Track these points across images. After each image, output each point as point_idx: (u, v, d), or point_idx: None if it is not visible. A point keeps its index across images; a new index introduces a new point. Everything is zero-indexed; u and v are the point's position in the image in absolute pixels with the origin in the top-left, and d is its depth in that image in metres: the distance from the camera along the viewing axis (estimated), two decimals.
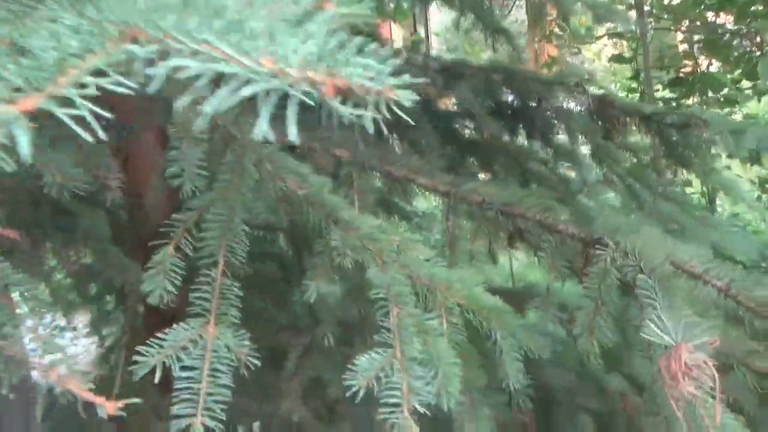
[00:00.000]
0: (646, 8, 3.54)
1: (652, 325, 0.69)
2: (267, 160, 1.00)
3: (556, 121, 1.97)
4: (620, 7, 3.12)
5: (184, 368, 0.76)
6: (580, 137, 1.92)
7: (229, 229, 0.87)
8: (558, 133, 2.01)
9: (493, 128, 1.92)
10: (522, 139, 2.08)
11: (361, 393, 0.76)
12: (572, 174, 1.99)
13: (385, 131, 1.69)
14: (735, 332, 1.05)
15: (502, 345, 1.01)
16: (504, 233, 1.20)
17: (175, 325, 0.79)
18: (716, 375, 0.64)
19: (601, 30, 4.40)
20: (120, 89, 0.29)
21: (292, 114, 0.29)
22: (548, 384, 1.94)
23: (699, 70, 3.58)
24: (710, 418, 0.65)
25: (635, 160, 2.02)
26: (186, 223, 0.88)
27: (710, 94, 3.45)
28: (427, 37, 7.20)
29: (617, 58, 4.12)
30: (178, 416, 0.74)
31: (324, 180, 1.03)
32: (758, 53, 3.29)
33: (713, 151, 1.85)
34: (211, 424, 0.74)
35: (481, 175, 2.01)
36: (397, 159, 1.38)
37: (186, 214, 0.89)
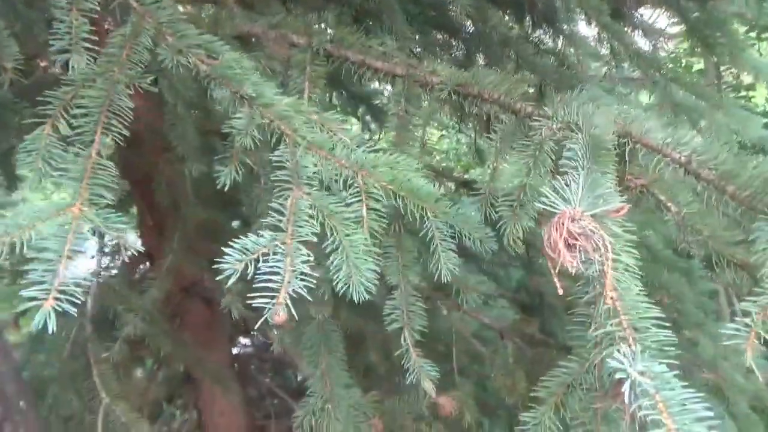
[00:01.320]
0: None
1: (549, 192, 0.57)
2: (168, 32, 0.90)
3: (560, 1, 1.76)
4: None
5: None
6: (584, 16, 1.71)
7: (108, 108, 0.79)
8: (564, 19, 1.80)
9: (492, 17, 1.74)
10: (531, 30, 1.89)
11: (235, 277, 0.69)
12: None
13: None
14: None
15: (434, 233, 0.91)
16: (458, 116, 1.08)
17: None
18: (608, 243, 0.53)
19: None
20: None
21: None
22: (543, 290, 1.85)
23: None
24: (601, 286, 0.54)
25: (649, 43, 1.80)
26: (63, 101, 0.80)
27: None
28: None
29: None
30: None
31: (236, 56, 0.92)
32: None
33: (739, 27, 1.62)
34: None
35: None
36: (354, 43, 1.25)
37: (63, 90, 0.81)
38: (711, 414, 0.55)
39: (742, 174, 0.72)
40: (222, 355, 2.20)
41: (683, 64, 5.47)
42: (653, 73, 1.68)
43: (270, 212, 0.75)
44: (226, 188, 0.92)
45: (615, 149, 0.87)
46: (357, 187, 0.88)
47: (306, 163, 0.84)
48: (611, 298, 0.60)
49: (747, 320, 0.60)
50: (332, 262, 0.80)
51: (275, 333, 1.32)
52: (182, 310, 2.07)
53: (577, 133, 0.77)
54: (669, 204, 0.97)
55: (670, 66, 1.62)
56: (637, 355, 0.56)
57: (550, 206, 0.56)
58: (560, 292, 0.56)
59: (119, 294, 1.56)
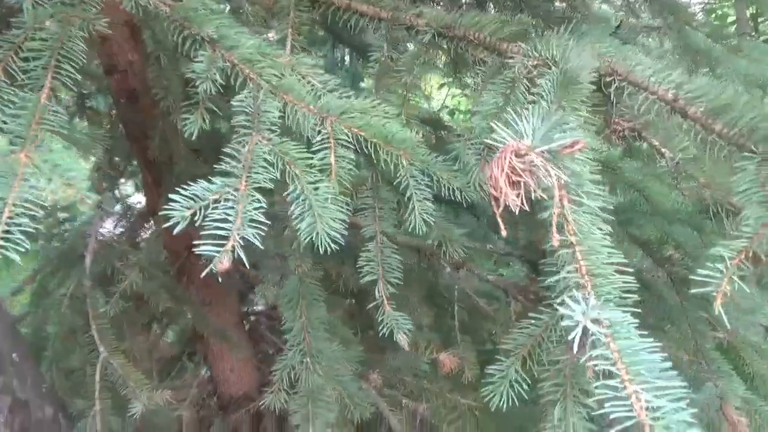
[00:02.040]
0: None
1: (498, 126, 0.52)
2: None
3: None
4: None
5: None
6: None
7: (60, 52, 0.76)
8: None
9: None
10: None
11: (182, 225, 0.66)
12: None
13: None
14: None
15: (408, 182, 0.87)
16: (443, 58, 1.02)
17: None
18: (559, 181, 0.48)
19: None
20: None
21: None
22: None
23: None
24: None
25: None
26: (14, 45, 0.77)
27: None
28: None
29: None
30: None
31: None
32: None
33: None
34: None
35: None
36: None
37: (14, 33, 0.78)
38: (669, 364, 0.51)
39: (731, 111, 0.65)
40: (230, 313, 2.22)
41: (718, 15, 5.19)
42: (670, 17, 1.58)
43: (224, 158, 0.72)
44: (194, 137, 0.89)
45: (600, 88, 0.81)
46: (325, 133, 0.84)
47: (268, 107, 0.81)
48: (570, 242, 0.56)
49: (720, 266, 0.55)
50: (294, 211, 0.77)
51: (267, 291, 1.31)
52: (188, 268, 2.08)
53: (552, 70, 0.71)
54: (662, 149, 0.91)
55: (691, 11, 1.51)
56: (590, 303, 0.52)
57: (499, 141, 0.51)
58: (504, 233, 0.51)
59: (117, 250, 1.57)
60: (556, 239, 0.50)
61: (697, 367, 1.43)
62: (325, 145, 0.83)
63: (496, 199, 0.48)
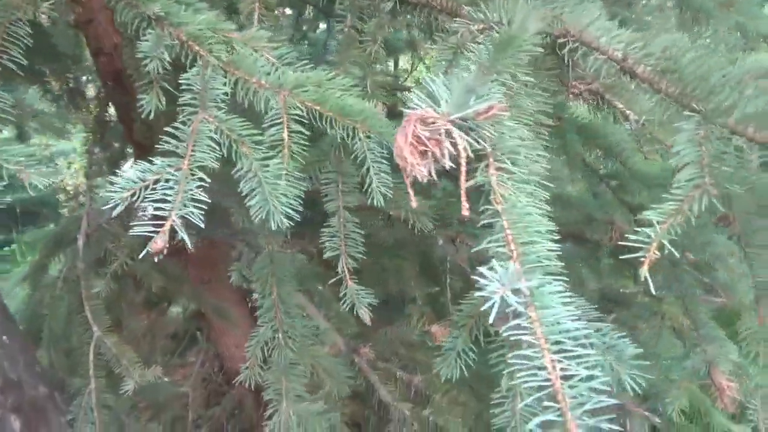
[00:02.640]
0: None
1: (416, 92, 0.50)
2: None
3: None
4: None
5: None
6: None
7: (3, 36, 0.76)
8: None
9: None
10: None
11: (121, 207, 0.66)
12: None
13: None
14: None
15: (366, 154, 0.86)
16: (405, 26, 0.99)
17: None
18: (465, 151, 0.46)
19: None
20: None
21: None
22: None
23: None
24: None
25: None
26: None
27: None
28: None
29: None
30: None
31: None
32: None
33: None
34: None
35: None
36: None
37: None
38: (589, 331, 0.50)
39: (676, 69, 0.63)
40: (230, 291, 2.24)
41: None
42: None
43: (166, 138, 0.72)
44: (150, 116, 0.89)
45: (551, 50, 0.78)
46: (277, 108, 0.83)
47: (216, 84, 0.80)
48: (497, 211, 0.55)
49: (649, 231, 0.53)
50: (243, 188, 0.76)
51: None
52: (183, 247, 2.11)
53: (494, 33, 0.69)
54: (627, 112, 0.88)
55: None
56: (510, 272, 0.51)
57: (412, 108, 0.49)
58: (413, 204, 0.50)
59: (109, 232, 1.59)
60: (465, 209, 0.49)
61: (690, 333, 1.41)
62: (277, 121, 0.82)
63: (404, 170, 0.47)
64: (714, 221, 0.94)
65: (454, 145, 0.46)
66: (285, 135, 0.82)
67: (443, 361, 0.70)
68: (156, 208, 0.65)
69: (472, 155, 0.50)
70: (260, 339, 1.02)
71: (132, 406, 1.57)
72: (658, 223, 0.52)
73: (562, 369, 0.48)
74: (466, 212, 0.49)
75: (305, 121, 0.84)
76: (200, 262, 2.11)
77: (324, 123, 0.85)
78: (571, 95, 0.81)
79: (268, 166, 0.77)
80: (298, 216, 0.80)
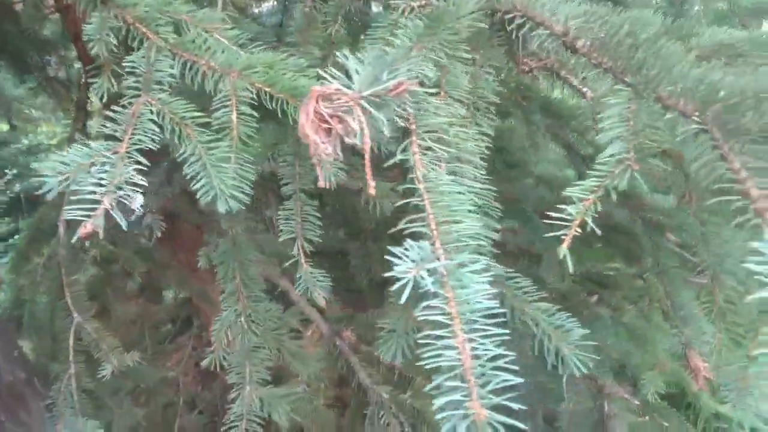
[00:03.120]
0: None
1: (329, 70, 0.49)
2: None
3: None
4: None
5: None
6: None
7: None
8: None
9: None
10: None
11: (55, 191, 0.66)
12: None
13: None
14: None
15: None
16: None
17: None
18: (364, 128, 0.45)
19: None
20: None
21: None
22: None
23: None
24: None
25: None
26: None
27: None
28: None
29: None
30: None
31: None
32: None
33: None
34: None
35: None
36: None
37: None
38: (503, 310, 0.50)
39: (613, 42, 0.61)
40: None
41: None
42: None
43: (105, 122, 0.71)
44: (103, 100, 0.88)
45: (501, 26, 0.77)
46: (225, 90, 0.82)
47: (161, 67, 0.79)
48: (421, 191, 0.54)
49: (570, 209, 0.52)
50: (187, 171, 0.76)
51: None
52: (172, 234, 2.12)
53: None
54: (583, 89, 0.86)
55: None
56: (426, 251, 0.50)
57: (325, 82, 0.48)
58: (321, 183, 0.49)
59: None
60: (371, 188, 0.48)
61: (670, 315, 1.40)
62: (226, 103, 0.81)
63: (310, 148, 0.46)
64: (679, 200, 0.93)
65: (359, 122, 0.45)
66: (233, 117, 0.82)
67: (384, 344, 0.69)
68: (90, 192, 0.65)
69: (387, 133, 0.49)
70: (224, 323, 1.02)
71: (116, 390, 1.59)
72: (580, 200, 0.51)
73: (472, 348, 0.47)
74: (372, 191, 0.49)
75: (255, 103, 0.83)
76: (189, 247, 2.12)
77: (275, 105, 0.84)
78: (521, 72, 0.79)
79: (213, 149, 0.76)
80: (247, 199, 0.80)
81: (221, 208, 0.77)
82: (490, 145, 0.70)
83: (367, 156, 0.46)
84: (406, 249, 0.50)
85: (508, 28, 0.76)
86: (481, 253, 0.54)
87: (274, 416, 0.98)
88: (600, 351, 1.53)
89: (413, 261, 0.49)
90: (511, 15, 0.75)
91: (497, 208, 0.72)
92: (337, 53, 0.51)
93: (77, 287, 1.51)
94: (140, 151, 0.70)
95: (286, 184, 0.93)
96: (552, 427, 1.42)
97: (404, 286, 0.49)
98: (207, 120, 0.78)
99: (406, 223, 0.52)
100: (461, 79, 0.64)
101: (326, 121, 0.45)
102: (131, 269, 1.64)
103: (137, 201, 0.67)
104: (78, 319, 1.46)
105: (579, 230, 0.51)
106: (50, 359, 1.52)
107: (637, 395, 1.45)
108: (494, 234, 0.69)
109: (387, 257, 0.49)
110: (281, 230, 0.91)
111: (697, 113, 0.52)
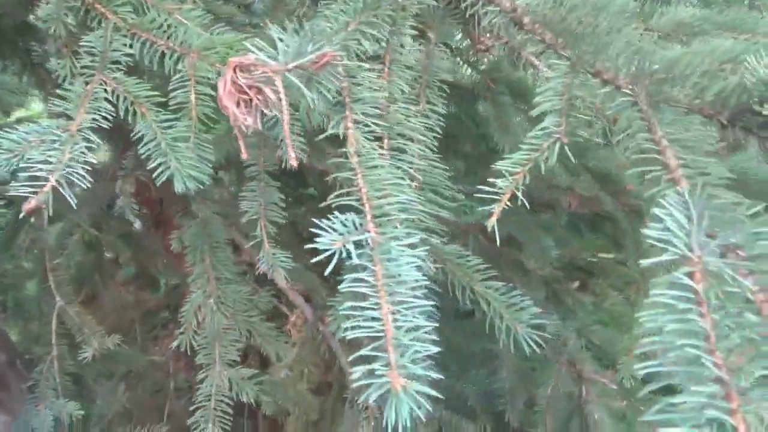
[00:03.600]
0: None
1: (255, 42, 0.49)
2: None
3: None
4: None
5: None
6: None
7: None
8: None
9: None
10: None
11: (4, 170, 0.66)
12: None
13: None
14: None
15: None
16: None
17: None
18: (283, 102, 0.45)
19: None
20: None
21: None
22: None
23: None
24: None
25: None
26: None
27: None
28: None
29: None
30: None
31: None
32: None
33: None
34: None
35: None
36: None
37: None
38: (427, 282, 0.50)
39: (556, 18, 0.61)
40: None
41: None
42: None
43: (53, 99, 0.72)
44: (65, 82, 0.88)
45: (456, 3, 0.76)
46: (184, 71, 0.82)
47: (117, 47, 0.79)
48: (353, 165, 0.54)
49: (500, 182, 0.52)
50: (142, 151, 0.76)
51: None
52: (164, 219, 2.13)
53: None
54: (544, 69, 0.86)
55: None
56: (354, 224, 0.50)
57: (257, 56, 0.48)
58: (244, 155, 0.49)
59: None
60: (291, 158, 0.48)
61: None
62: (184, 83, 0.81)
63: (231, 121, 0.46)
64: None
65: (277, 93, 0.45)
66: (192, 97, 0.82)
67: (335, 320, 0.70)
68: (38, 170, 0.65)
69: (315, 106, 0.49)
70: (192, 304, 1.03)
71: (100, 374, 1.60)
72: (509, 173, 0.51)
73: (395, 320, 0.47)
74: (293, 162, 0.49)
75: (215, 83, 0.83)
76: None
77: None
78: (479, 51, 0.79)
79: (170, 128, 0.77)
80: (208, 179, 0.80)
81: (178, 187, 0.77)
82: (442, 123, 0.70)
83: (285, 127, 0.46)
84: (332, 221, 0.50)
85: (462, 6, 0.76)
86: (425, 230, 0.54)
87: (243, 397, 0.99)
88: (581, 336, 1.53)
89: (339, 233, 0.50)
90: None
91: (451, 187, 0.72)
92: (269, 26, 0.51)
93: (60, 272, 1.52)
94: (94, 130, 0.71)
95: (250, 166, 0.93)
96: (531, 410, 1.42)
97: (330, 258, 0.49)
98: (163, 100, 0.78)
99: (336, 196, 0.52)
100: (407, 56, 0.64)
101: (245, 92, 0.45)
102: (115, 255, 1.65)
103: (84, 179, 0.67)
104: (60, 303, 1.48)
105: (509, 203, 0.51)
106: (35, 343, 1.54)
107: (616, 380, 1.45)
108: (444, 212, 0.69)
109: (312, 229, 0.50)
110: (245, 211, 0.91)
111: (629, 86, 0.52)
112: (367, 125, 0.54)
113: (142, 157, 0.76)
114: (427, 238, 0.60)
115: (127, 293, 2.13)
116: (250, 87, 0.45)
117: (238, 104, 0.45)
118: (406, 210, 0.54)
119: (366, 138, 0.55)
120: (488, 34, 0.79)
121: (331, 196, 0.52)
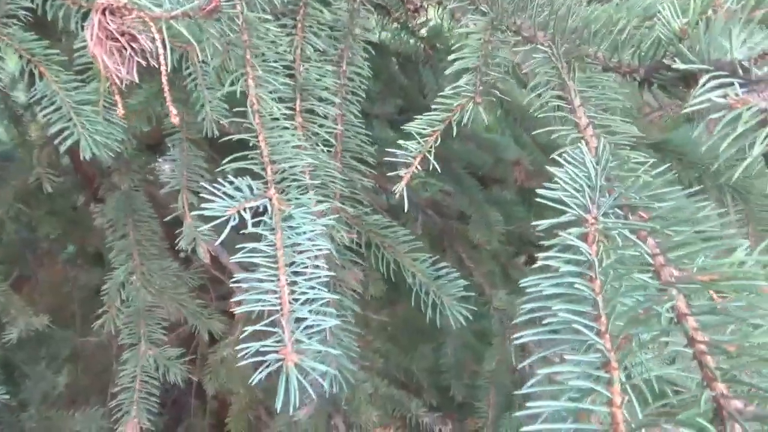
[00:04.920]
0: None
1: None
2: None
3: None
4: None
5: None
6: None
7: None
8: None
9: None
10: None
11: None
12: None
13: None
14: None
15: (197, 76, 0.79)
16: None
17: None
18: (159, 46, 0.41)
19: None
20: None
21: None
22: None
23: None
24: None
25: None
26: None
27: None
28: None
29: None
30: None
31: None
32: None
33: None
34: None
35: None
36: None
37: None
38: (331, 251, 0.46)
39: None
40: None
41: None
42: None
43: None
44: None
45: None
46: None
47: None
48: (255, 126, 0.50)
49: (410, 144, 0.49)
50: (40, 115, 0.70)
51: None
52: (104, 194, 2.03)
53: None
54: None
55: None
56: (246, 189, 0.47)
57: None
58: (173, 119, 0.44)
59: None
60: (173, 116, 0.44)
61: None
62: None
63: (102, 71, 0.42)
64: None
65: (154, 40, 0.41)
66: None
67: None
68: None
69: (202, 59, 0.45)
70: (114, 282, 0.97)
71: (32, 356, 1.53)
72: (421, 135, 0.48)
73: (291, 292, 0.44)
74: (174, 120, 0.44)
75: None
76: None
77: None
78: (409, 11, 0.75)
79: (73, 90, 0.71)
80: (119, 147, 0.75)
81: (86, 154, 0.72)
82: (366, 86, 0.66)
83: (164, 79, 0.42)
84: (224, 185, 0.46)
85: None
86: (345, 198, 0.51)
87: (170, 377, 0.95)
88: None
89: (234, 199, 0.46)
90: None
91: (372, 154, 0.68)
92: None
93: None
94: None
95: (172, 134, 0.88)
96: (474, 386, 1.42)
97: (224, 224, 0.45)
98: (65, 58, 0.72)
99: (232, 159, 0.48)
100: (322, 13, 0.60)
101: (117, 39, 0.40)
102: (43, 231, 1.57)
103: None
104: None
105: (419, 167, 0.48)
106: None
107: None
108: (359, 176, 0.66)
109: (202, 194, 0.46)
110: (166, 182, 0.86)
111: (547, 43, 0.49)
112: (269, 83, 0.50)
113: (43, 121, 0.70)
114: (342, 206, 0.56)
115: (68, 273, 2.04)
116: (122, 33, 0.40)
117: (110, 53, 0.41)
118: (317, 176, 0.50)
119: (272, 99, 0.51)
120: None
121: (227, 159, 0.48)
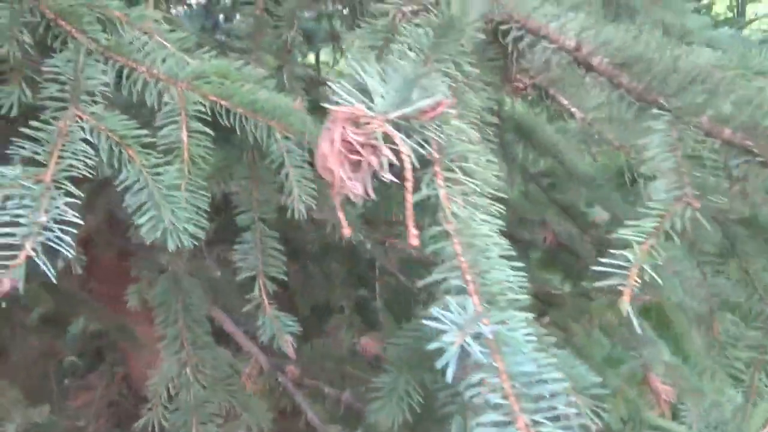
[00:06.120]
0: None
1: (340, 84, 0.39)
2: None
3: None
4: None
5: None
6: None
7: None
8: None
9: None
10: None
11: None
12: None
13: None
14: None
15: (284, 158, 0.73)
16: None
17: None
18: (409, 159, 0.36)
19: None
20: None
21: None
22: None
23: None
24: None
25: None
26: None
27: None
28: None
29: None
30: None
31: None
32: None
33: None
34: None
35: None
36: None
37: None
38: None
39: (640, 61, 0.55)
40: (141, 307, 2.03)
41: None
42: None
43: (21, 142, 0.56)
44: (13, 113, 0.71)
45: (497, 39, 0.69)
46: (172, 103, 0.68)
47: (92, 74, 0.64)
48: (446, 232, 0.44)
49: (626, 253, 0.44)
50: (129, 203, 0.62)
51: None
52: (89, 263, 1.88)
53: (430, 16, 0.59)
54: (572, 108, 0.81)
55: None
56: (470, 312, 0.41)
57: (338, 104, 0.38)
58: (346, 233, 0.38)
59: None
60: (413, 236, 0.38)
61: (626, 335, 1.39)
62: (173, 119, 0.68)
63: (332, 186, 0.36)
64: None
65: (396, 152, 0.35)
66: (183, 136, 0.68)
67: (382, 407, 0.59)
68: (6, 234, 0.50)
69: (417, 165, 0.39)
70: (165, 375, 0.87)
71: None
72: (637, 244, 0.44)
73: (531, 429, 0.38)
74: (414, 241, 0.38)
75: (208, 118, 0.71)
76: (108, 275, 1.89)
77: (232, 121, 0.72)
78: (514, 90, 0.72)
79: (161, 174, 0.63)
80: (203, 234, 0.67)
81: (171, 245, 0.63)
82: (499, 175, 0.62)
83: (408, 196, 0.36)
84: (444, 310, 0.40)
85: (503, 41, 0.69)
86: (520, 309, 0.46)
87: None
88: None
89: (456, 325, 0.40)
90: (506, 26, 0.68)
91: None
92: (349, 64, 0.40)
93: None
94: (71, 179, 0.56)
95: (242, 213, 0.80)
96: None
97: (450, 358, 0.39)
98: (152, 140, 0.65)
99: (437, 274, 0.42)
100: (471, 98, 0.56)
101: (356, 152, 0.35)
102: (34, 304, 1.41)
103: (68, 244, 0.52)
104: None
105: (638, 280, 0.44)
106: None
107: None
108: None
109: (424, 321, 0.39)
110: (239, 267, 0.78)
111: (748, 141, 0.47)
112: (458, 183, 0.45)
113: (129, 209, 0.62)
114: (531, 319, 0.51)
115: (38, 342, 1.85)
116: (363, 146, 0.34)
117: (342, 166, 0.35)
118: (511, 289, 0.45)
119: (456, 197, 0.45)
120: (524, 72, 0.73)
121: (433, 275, 0.42)
